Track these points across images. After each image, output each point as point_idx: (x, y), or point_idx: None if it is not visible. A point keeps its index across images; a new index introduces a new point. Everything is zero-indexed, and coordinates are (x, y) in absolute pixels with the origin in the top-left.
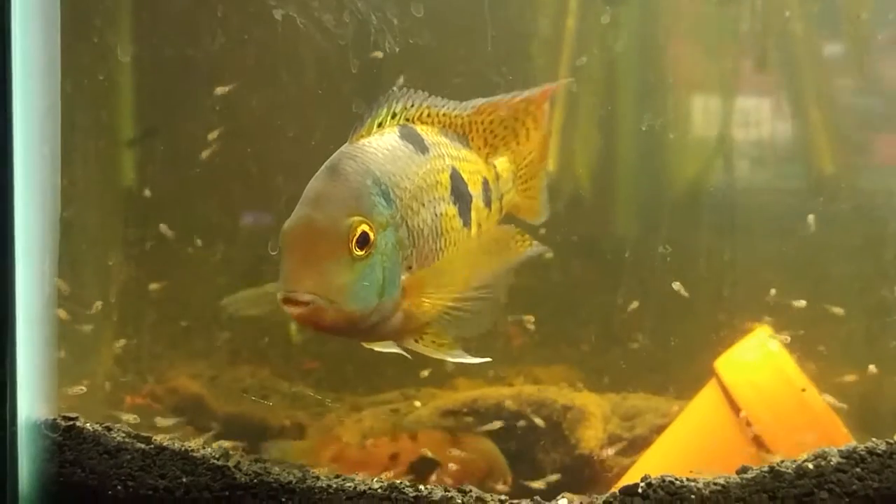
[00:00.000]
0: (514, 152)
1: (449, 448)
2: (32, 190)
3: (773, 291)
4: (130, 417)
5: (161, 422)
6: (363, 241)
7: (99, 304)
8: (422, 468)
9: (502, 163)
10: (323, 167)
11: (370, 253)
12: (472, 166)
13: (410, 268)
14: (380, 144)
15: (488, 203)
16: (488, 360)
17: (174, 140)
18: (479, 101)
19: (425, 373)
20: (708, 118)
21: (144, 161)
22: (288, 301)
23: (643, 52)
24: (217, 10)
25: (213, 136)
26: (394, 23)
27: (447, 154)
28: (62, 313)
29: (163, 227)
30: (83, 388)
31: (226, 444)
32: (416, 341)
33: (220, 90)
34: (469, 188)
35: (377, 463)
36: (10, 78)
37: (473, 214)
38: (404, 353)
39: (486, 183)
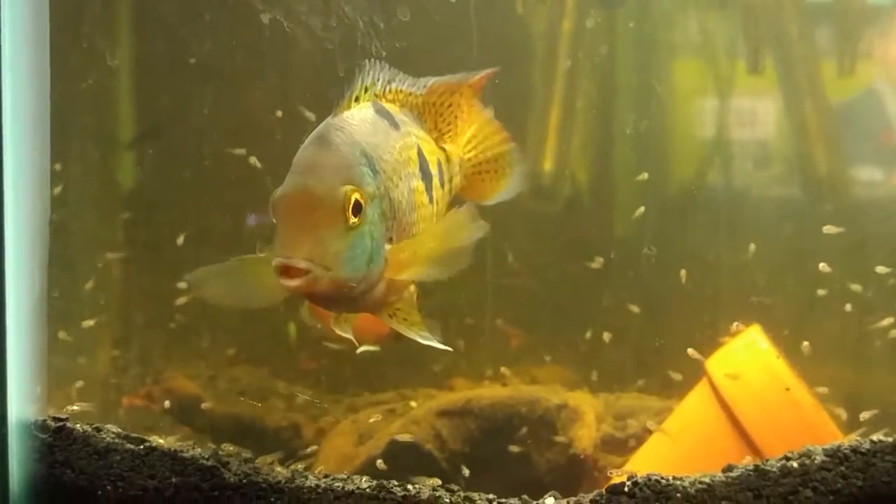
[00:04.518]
0: (458, 135)
1: None
2: (22, 193)
3: (762, 291)
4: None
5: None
6: (357, 209)
7: (94, 307)
8: None
9: (450, 147)
10: (311, 137)
11: (362, 222)
12: (429, 146)
13: (391, 239)
14: (362, 118)
15: (442, 184)
16: (449, 349)
17: (171, 142)
18: (430, 80)
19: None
20: (703, 121)
21: (137, 163)
22: (283, 268)
23: (639, 54)
24: (205, 14)
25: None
26: (380, 26)
27: (412, 132)
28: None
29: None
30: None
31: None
32: (391, 316)
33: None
34: (430, 167)
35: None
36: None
37: (434, 193)
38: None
39: (439, 164)
